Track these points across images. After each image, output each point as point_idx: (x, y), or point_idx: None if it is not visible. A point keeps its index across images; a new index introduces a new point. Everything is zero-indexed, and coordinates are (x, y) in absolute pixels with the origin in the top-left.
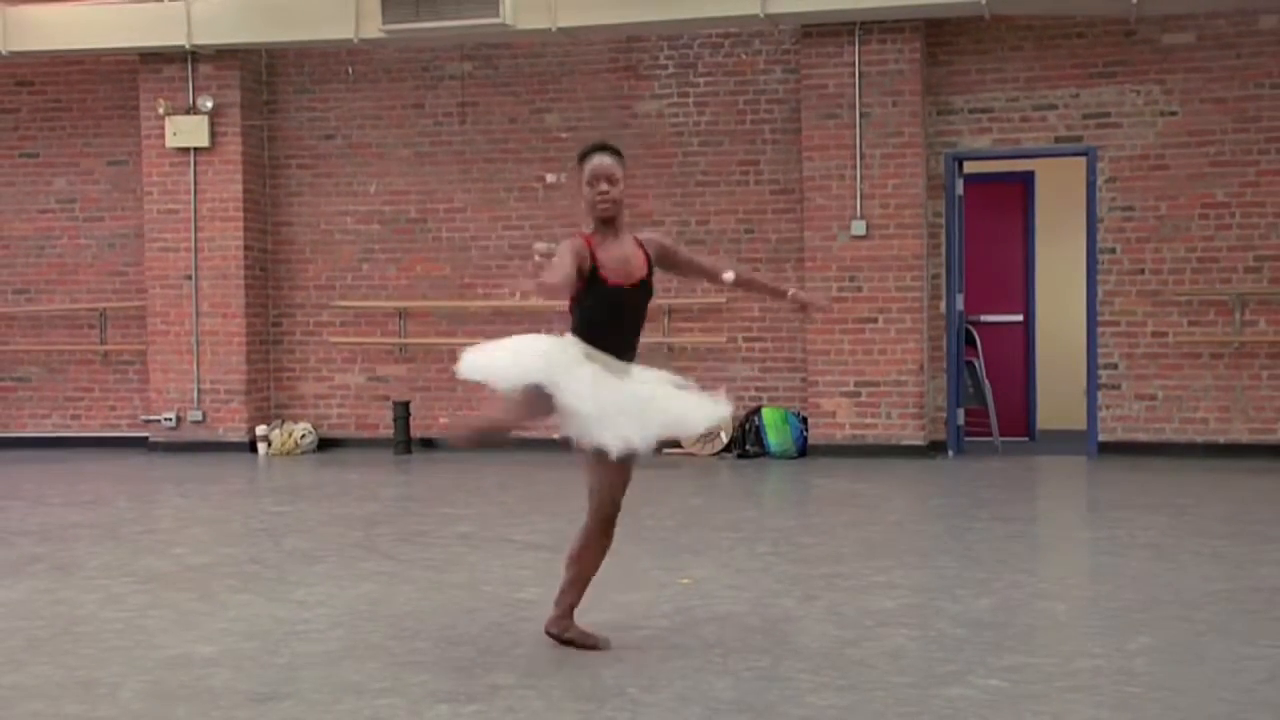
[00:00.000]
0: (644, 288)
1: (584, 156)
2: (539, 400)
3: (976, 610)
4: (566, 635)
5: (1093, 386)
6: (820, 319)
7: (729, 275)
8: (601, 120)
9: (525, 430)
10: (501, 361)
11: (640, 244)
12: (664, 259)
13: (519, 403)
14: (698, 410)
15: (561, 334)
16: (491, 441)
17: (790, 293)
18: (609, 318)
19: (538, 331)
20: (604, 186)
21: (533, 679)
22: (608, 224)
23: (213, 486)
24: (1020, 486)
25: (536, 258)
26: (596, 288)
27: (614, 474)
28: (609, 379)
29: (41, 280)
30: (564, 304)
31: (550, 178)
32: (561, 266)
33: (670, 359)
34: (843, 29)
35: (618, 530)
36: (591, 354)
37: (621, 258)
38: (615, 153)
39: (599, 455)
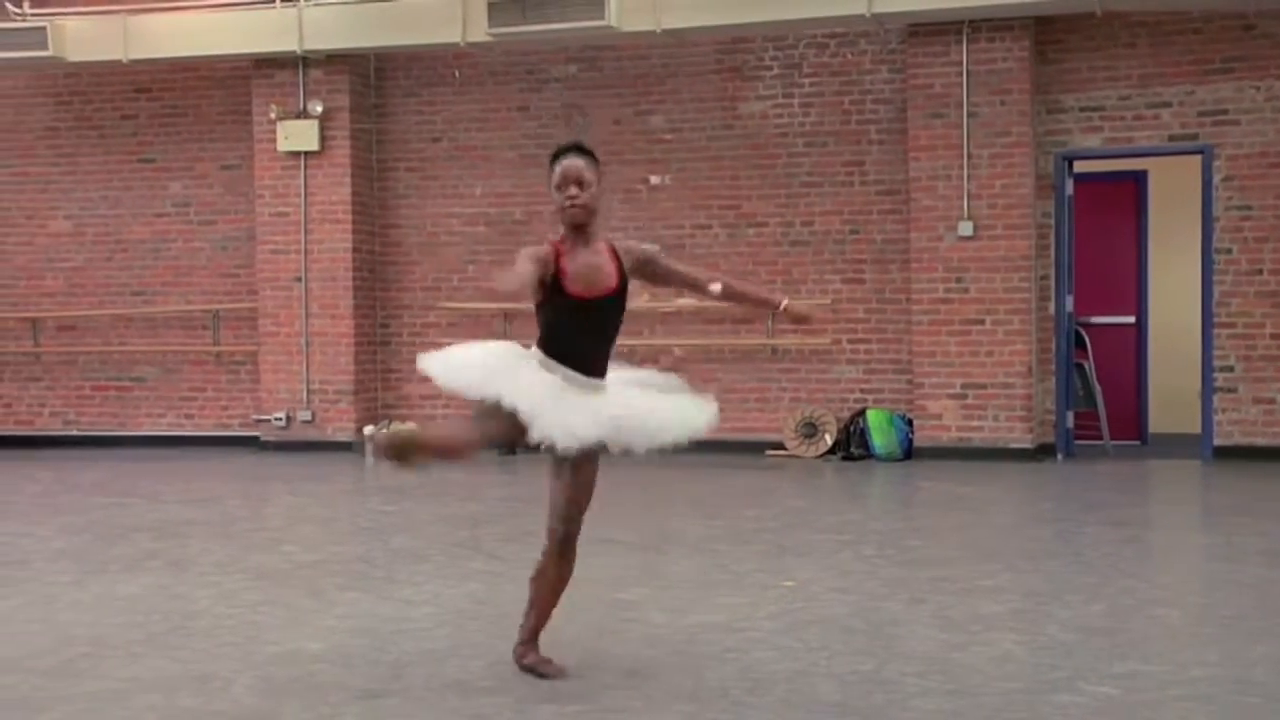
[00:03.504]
0: (612, 300)
1: (554, 158)
2: (494, 413)
3: (1087, 616)
4: (523, 662)
5: (1208, 389)
6: (927, 321)
7: (715, 287)
8: (706, 121)
9: (458, 457)
10: (453, 366)
11: (614, 253)
12: (642, 269)
13: (478, 416)
14: (671, 418)
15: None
16: (408, 457)
17: (783, 304)
18: (571, 332)
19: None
20: (573, 190)
21: (636, 679)
22: (578, 231)
23: (321, 485)
24: (1132, 491)
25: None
26: (558, 299)
27: (566, 488)
28: (564, 388)
29: (158, 282)
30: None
31: (654, 179)
32: (517, 272)
33: (774, 361)
34: (950, 28)
35: (706, 532)
36: (551, 367)
37: (589, 267)
38: (588, 154)
39: (554, 466)
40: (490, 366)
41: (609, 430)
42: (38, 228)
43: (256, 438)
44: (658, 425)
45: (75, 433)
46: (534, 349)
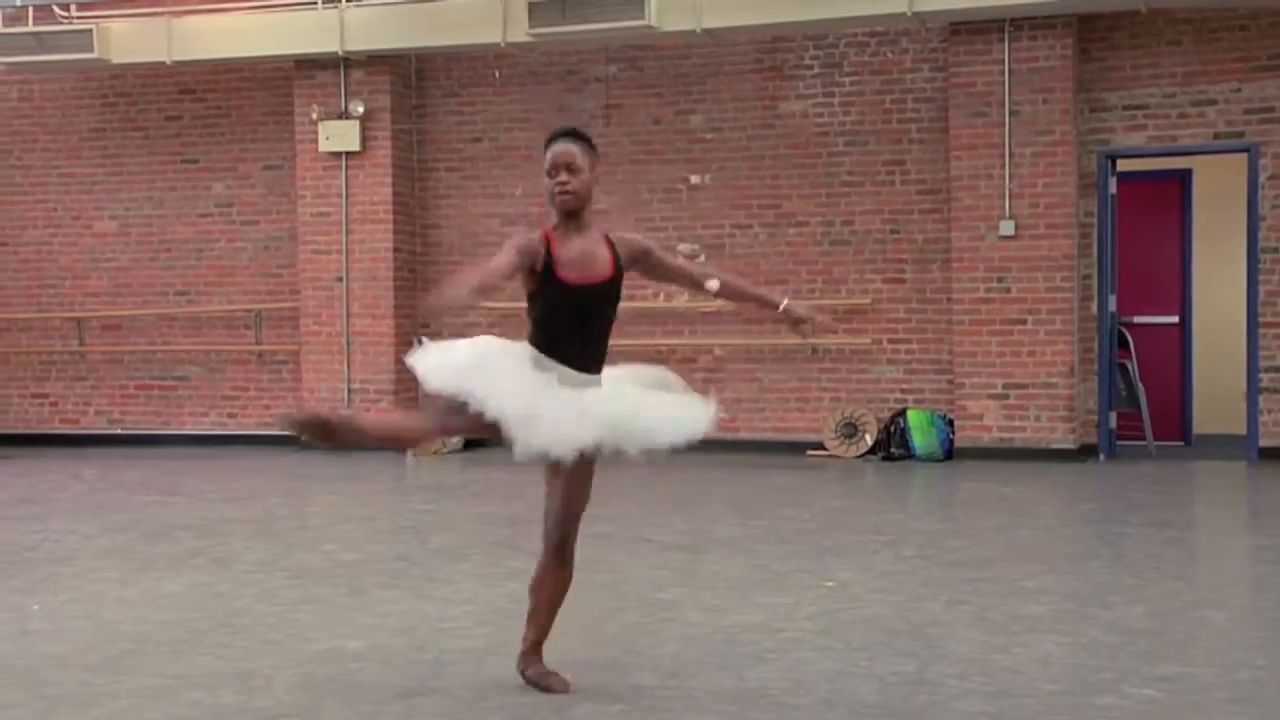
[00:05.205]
0: (608, 289)
1: (547, 143)
2: (460, 411)
3: (1130, 617)
4: (526, 674)
5: (1253, 389)
6: (968, 321)
7: (712, 284)
8: (746, 120)
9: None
10: (435, 361)
11: (609, 242)
12: (637, 261)
13: (440, 410)
14: (670, 420)
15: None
16: (331, 438)
17: (782, 305)
18: (565, 321)
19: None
20: (563, 176)
21: (675, 679)
22: (571, 218)
23: (362, 485)
24: (1175, 492)
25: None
26: (550, 287)
27: (561, 493)
28: (556, 388)
29: (201, 282)
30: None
31: (694, 179)
32: (484, 269)
33: (814, 361)
34: (992, 26)
35: (746, 532)
36: (543, 363)
37: (584, 253)
38: (581, 139)
39: (547, 470)
40: (475, 367)
41: (600, 432)
42: (83, 228)
43: (298, 437)
44: (652, 426)
45: (120, 431)
46: (525, 345)
